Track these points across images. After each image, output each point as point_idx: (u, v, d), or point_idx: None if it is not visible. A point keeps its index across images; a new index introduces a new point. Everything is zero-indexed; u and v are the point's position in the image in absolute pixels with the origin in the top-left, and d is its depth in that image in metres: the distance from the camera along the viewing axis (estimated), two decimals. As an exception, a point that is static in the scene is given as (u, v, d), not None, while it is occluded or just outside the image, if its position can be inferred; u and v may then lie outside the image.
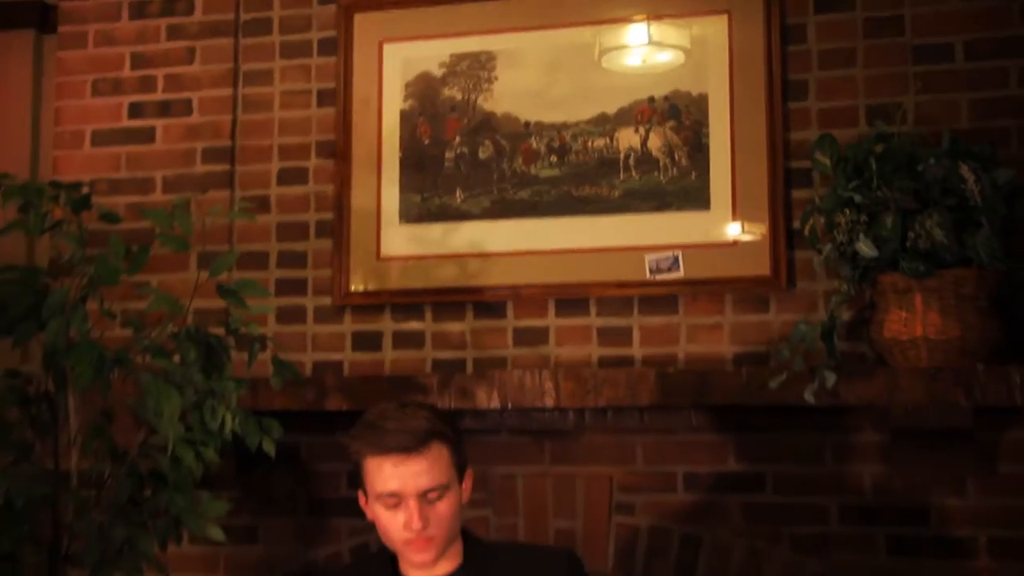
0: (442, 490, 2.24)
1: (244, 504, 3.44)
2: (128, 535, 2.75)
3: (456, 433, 2.33)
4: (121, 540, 2.75)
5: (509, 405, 3.13)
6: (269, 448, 2.84)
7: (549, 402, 3.11)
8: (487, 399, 3.13)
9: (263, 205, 3.58)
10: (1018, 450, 3.06)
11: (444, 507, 2.25)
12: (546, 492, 3.35)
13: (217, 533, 2.82)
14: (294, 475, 3.51)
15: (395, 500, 2.23)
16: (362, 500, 2.34)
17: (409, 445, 2.22)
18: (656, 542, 3.26)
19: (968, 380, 2.82)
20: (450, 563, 2.32)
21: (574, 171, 3.37)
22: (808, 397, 2.89)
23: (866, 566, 3.13)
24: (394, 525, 2.25)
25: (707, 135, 3.29)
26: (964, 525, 3.07)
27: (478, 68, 3.46)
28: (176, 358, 2.78)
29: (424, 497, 2.22)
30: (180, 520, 2.79)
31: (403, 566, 2.35)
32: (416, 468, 2.22)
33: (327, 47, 3.62)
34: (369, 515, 2.33)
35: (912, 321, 2.88)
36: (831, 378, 2.87)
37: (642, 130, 3.34)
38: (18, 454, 2.80)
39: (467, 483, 2.35)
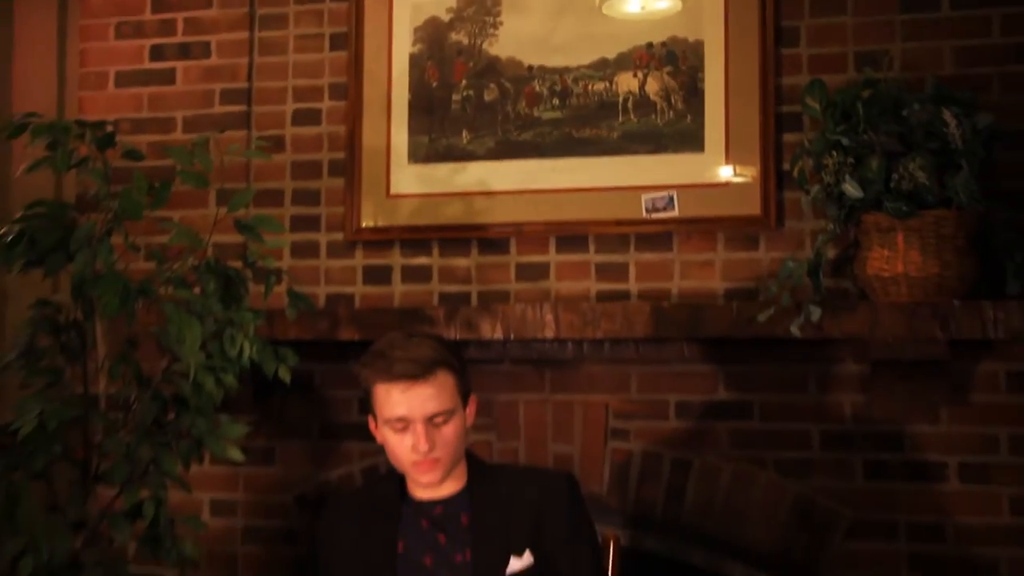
0: (447, 415, 2.27)
1: (261, 427, 3.48)
2: (153, 455, 2.79)
3: (460, 362, 2.34)
4: (147, 460, 2.79)
5: (511, 336, 3.15)
6: (285, 375, 2.86)
7: (549, 334, 3.13)
8: (491, 331, 3.15)
9: (278, 144, 3.57)
10: (989, 381, 3.07)
11: (449, 431, 2.28)
12: (546, 418, 3.37)
13: (236, 454, 2.86)
14: (308, 401, 3.53)
15: (403, 424, 2.26)
16: (372, 424, 2.36)
17: (416, 373, 2.24)
18: (648, 466, 3.29)
19: (945, 315, 2.84)
20: (455, 484, 2.36)
21: (575, 114, 3.36)
22: (794, 330, 2.91)
23: (844, 489, 3.15)
24: (402, 448, 2.27)
25: (702, 80, 3.28)
26: (936, 451, 3.10)
27: (484, 14, 3.44)
28: (197, 289, 2.81)
29: (430, 421, 2.25)
30: (201, 442, 2.83)
31: (411, 486, 2.38)
32: (423, 394, 2.25)
33: (339, -8, 3.63)
34: (379, 438, 2.35)
35: (894, 259, 2.89)
36: (816, 312, 2.89)
37: (640, 75, 3.32)
38: (50, 379, 2.82)
39: (471, 409, 2.37)
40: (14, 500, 2.70)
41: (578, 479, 2.47)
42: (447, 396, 2.28)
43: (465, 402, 2.34)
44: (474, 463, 2.42)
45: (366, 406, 2.34)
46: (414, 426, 2.25)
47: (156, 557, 2.85)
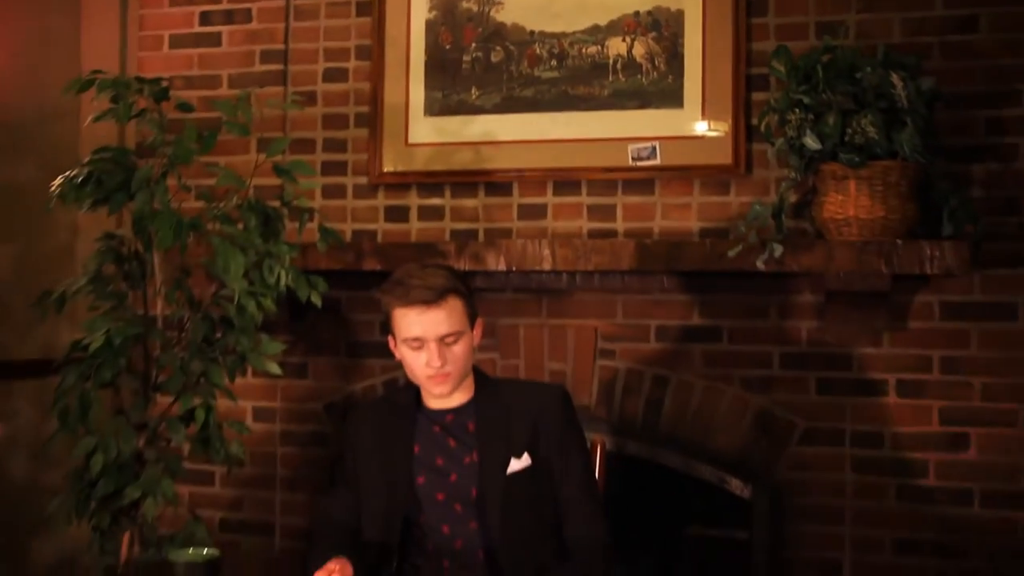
0: (457, 335, 2.27)
1: (296, 346, 3.51)
2: (203, 368, 2.84)
3: (468, 289, 2.34)
4: (198, 372, 2.84)
5: (513, 268, 3.16)
6: (316, 300, 2.90)
7: (546, 266, 3.13)
8: (495, 263, 3.16)
9: (310, 99, 3.54)
10: (925, 310, 3.09)
11: (459, 349, 2.28)
12: (542, 339, 3.39)
13: (274, 368, 2.90)
14: (336, 323, 3.53)
15: (418, 343, 2.27)
16: (391, 343, 2.36)
17: (430, 299, 2.24)
18: (631, 381, 3.31)
19: (889, 252, 2.85)
20: (464, 395, 2.37)
21: (570, 74, 3.35)
22: (759, 265, 2.94)
23: (799, 402, 3.18)
24: (418, 364, 2.29)
25: (682, 45, 3.26)
26: (878, 370, 3.12)
27: (492, -16, 3.45)
28: (240, 225, 2.84)
29: (442, 341, 2.25)
30: (245, 357, 2.87)
31: (425, 397, 2.39)
32: (436, 317, 2.25)
33: (364, -34, 3.57)
34: (397, 356, 2.36)
35: (846, 203, 2.89)
36: (778, 249, 2.91)
37: (628, 39, 3.31)
38: (115, 302, 2.87)
39: (477, 330, 2.36)
40: (86, 406, 2.76)
41: (570, 392, 2.48)
42: (457, 319, 2.28)
43: (472, 324, 2.33)
44: (480, 377, 2.42)
45: (386, 327, 2.33)
46: (428, 345, 2.26)
47: (207, 455, 2.90)
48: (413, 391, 2.43)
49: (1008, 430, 3.05)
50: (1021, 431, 3.05)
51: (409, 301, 2.26)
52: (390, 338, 2.37)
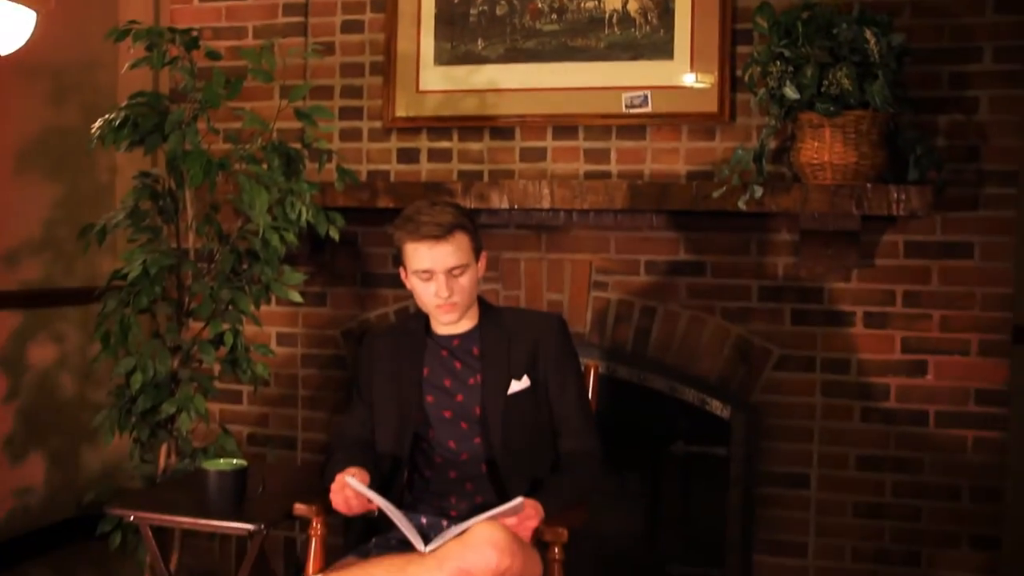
0: (463, 268, 2.28)
1: (316, 276, 3.51)
2: (231, 296, 2.85)
3: (474, 225, 2.35)
4: (227, 300, 2.85)
5: (515, 206, 3.15)
6: (334, 234, 2.91)
7: (546, 205, 3.13)
8: (498, 201, 3.15)
9: (329, 49, 3.51)
10: (891, 249, 3.10)
11: (465, 280, 2.29)
12: (541, 272, 3.38)
13: (296, 297, 2.92)
14: (352, 255, 3.53)
15: (428, 275, 2.28)
16: (403, 275, 2.37)
17: (439, 234, 2.25)
18: (622, 311, 3.31)
19: (859, 195, 2.85)
20: (469, 322, 2.39)
21: (569, 27, 3.31)
22: (741, 205, 2.92)
23: (774, 331, 3.19)
24: (427, 294, 2.30)
25: (673, 1, 3.23)
26: (847, 303, 3.13)
27: (497, -59, 3.39)
28: (264, 165, 2.83)
29: (450, 273, 2.26)
30: (269, 287, 2.89)
31: (433, 324, 2.41)
32: (444, 251, 2.26)
33: (379, -76, 3.51)
34: (408, 286, 2.37)
35: (822, 149, 2.88)
36: (759, 191, 2.90)
37: None
38: (150, 235, 2.89)
39: (482, 263, 2.37)
40: (126, 330, 2.79)
41: (566, 320, 2.50)
42: (463, 253, 2.28)
43: (477, 258, 2.34)
44: (484, 306, 2.43)
45: (398, 260, 2.34)
46: (437, 276, 2.26)
47: (235, 376, 2.95)
48: (423, 318, 2.44)
49: (962, 358, 3.07)
50: (973, 359, 3.07)
51: (420, 236, 2.27)
52: (402, 269, 2.37)
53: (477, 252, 2.35)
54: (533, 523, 2.13)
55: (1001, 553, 3.09)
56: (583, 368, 2.53)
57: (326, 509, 2.29)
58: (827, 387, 3.18)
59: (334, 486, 2.21)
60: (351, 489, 2.18)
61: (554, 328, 2.42)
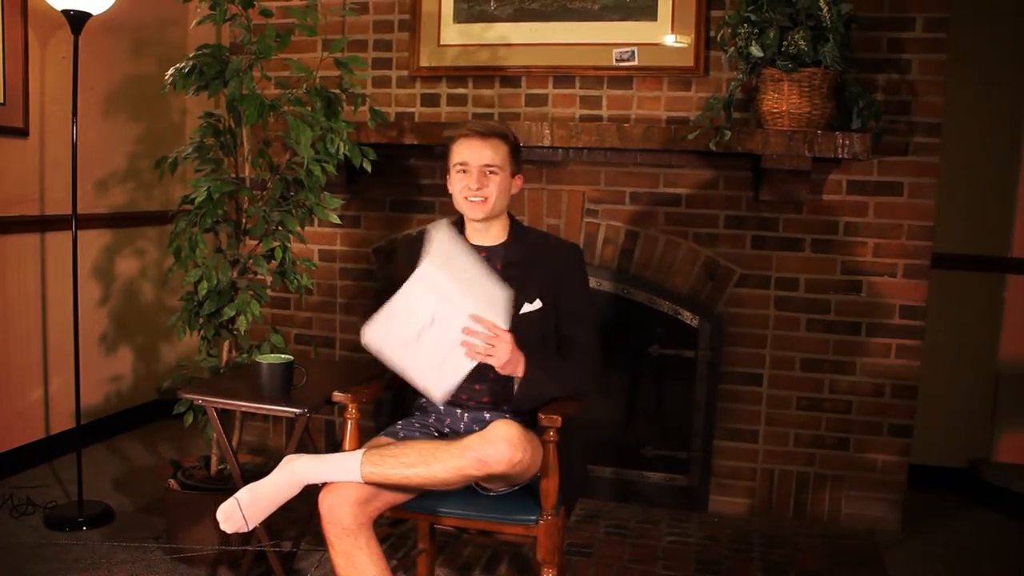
0: (498, 169, 2.20)
1: (351, 202, 3.54)
2: (281, 218, 2.84)
3: (517, 143, 2.27)
4: (277, 221, 2.84)
5: (521, 144, 3.00)
6: (367, 166, 2.90)
7: (546, 143, 3.12)
8: None
9: (364, 8, 3.50)
10: (835, 186, 3.14)
11: (496, 181, 2.20)
12: (542, 201, 3.38)
13: (335, 219, 2.91)
14: (383, 184, 3.51)
15: (464, 167, 2.21)
16: (448, 181, 2.28)
17: (481, 131, 2.21)
18: (610, 235, 3.32)
19: (811, 140, 2.87)
20: (498, 236, 2.28)
21: None
22: (712, 146, 2.94)
23: (737, 254, 3.22)
24: (462, 185, 2.21)
25: None
26: (798, 231, 3.17)
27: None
28: (308, 107, 2.81)
29: (484, 169, 2.19)
30: (312, 210, 2.87)
31: (468, 231, 2.29)
32: (482, 147, 2.20)
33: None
34: (449, 187, 2.27)
35: (781, 100, 2.90)
36: (727, 134, 2.91)
37: None
38: (213, 166, 2.88)
39: (517, 181, 2.28)
40: (193, 245, 2.79)
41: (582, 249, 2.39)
42: (500, 156, 2.21)
43: (513, 173, 2.25)
44: (515, 224, 2.31)
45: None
46: (471, 169, 2.20)
47: (284, 285, 2.93)
48: (458, 226, 2.33)
49: (891, 280, 3.14)
50: (900, 280, 3.13)
51: (464, 132, 2.24)
52: (448, 178, 2.29)
53: (514, 166, 2.26)
54: (498, 353, 2.01)
55: (912, 439, 3.20)
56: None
57: (360, 398, 2.26)
58: (779, 302, 3.22)
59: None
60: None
61: (574, 253, 2.32)
